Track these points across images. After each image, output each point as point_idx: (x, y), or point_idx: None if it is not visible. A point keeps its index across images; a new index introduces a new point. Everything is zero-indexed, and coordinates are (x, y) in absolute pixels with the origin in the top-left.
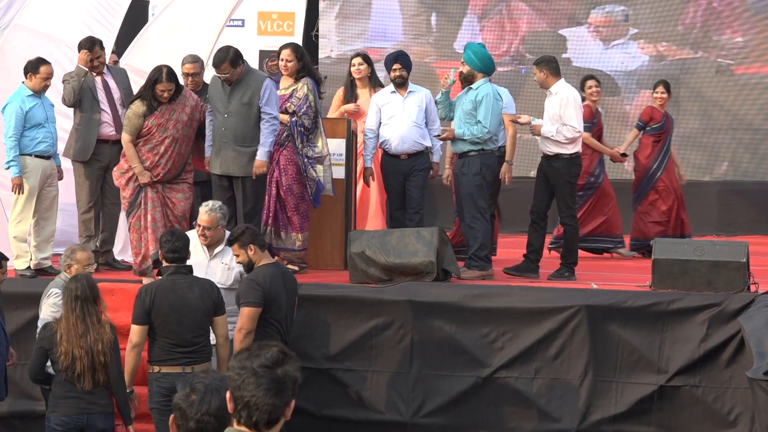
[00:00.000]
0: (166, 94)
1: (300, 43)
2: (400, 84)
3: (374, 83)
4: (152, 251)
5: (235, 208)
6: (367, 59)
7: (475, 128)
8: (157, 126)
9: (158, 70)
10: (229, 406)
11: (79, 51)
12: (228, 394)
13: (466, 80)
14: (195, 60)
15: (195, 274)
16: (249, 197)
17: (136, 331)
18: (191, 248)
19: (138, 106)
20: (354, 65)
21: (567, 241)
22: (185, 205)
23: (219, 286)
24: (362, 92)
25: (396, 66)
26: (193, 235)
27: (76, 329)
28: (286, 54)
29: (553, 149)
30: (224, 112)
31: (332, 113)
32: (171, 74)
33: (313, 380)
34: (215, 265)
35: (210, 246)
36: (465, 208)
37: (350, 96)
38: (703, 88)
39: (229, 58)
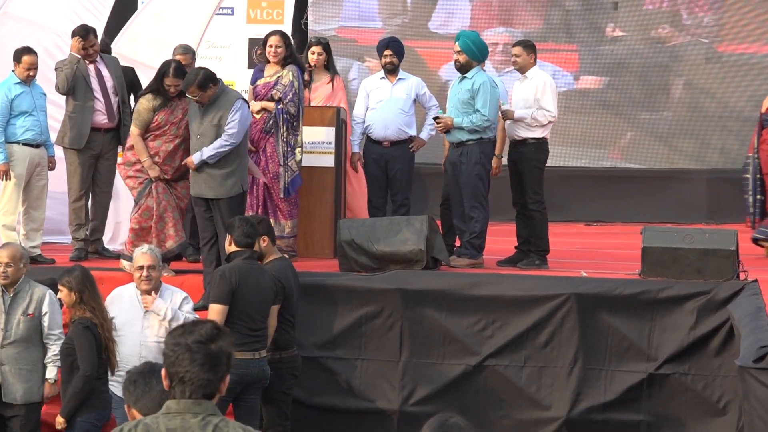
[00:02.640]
0: (173, 89)
1: (290, 31)
2: (390, 71)
3: (332, 71)
4: (176, 242)
5: (215, 229)
6: (326, 48)
7: (474, 117)
8: (168, 123)
9: (167, 64)
10: (165, 383)
11: (72, 38)
12: (163, 371)
13: (463, 69)
14: (186, 50)
15: (128, 330)
16: (226, 219)
17: (219, 311)
18: (125, 304)
19: (149, 100)
20: (313, 53)
21: (537, 228)
22: (188, 200)
23: (157, 341)
24: (318, 77)
25: (387, 52)
26: (124, 290)
27: (105, 315)
28: (275, 40)
29: (522, 134)
30: (197, 133)
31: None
32: (178, 70)
33: (303, 369)
34: (152, 319)
35: (148, 293)
36: (465, 197)
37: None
38: (693, 76)
39: (197, 81)
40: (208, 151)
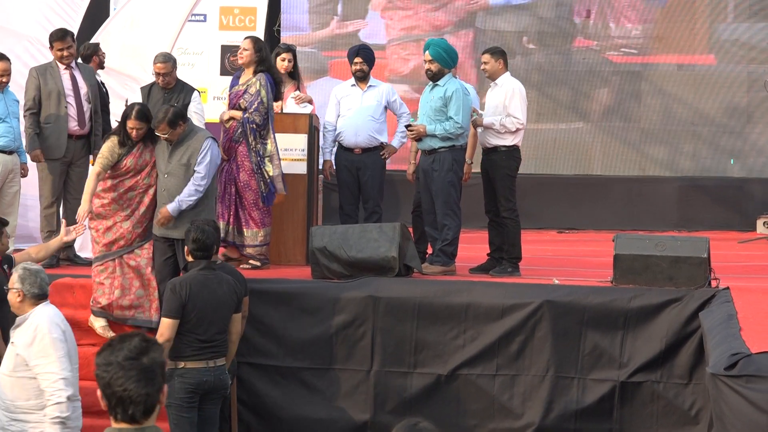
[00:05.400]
0: (134, 133)
1: (262, 38)
2: (361, 78)
3: (297, 78)
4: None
5: (176, 268)
6: (294, 55)
7: (447, 124)
8: (136, 171)
9: (131, 107)
10: (102, 404)
11: (51, 43)
12: (99, 393)
13: (435, 77)
14: (166, 59)
15: None
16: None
17: (169, 326)
18: None
19: (113, 141)
20: (284, 60)
21: (509, 235)
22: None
23: (8, 375)
24: (285, 84)
25: (357, 60)
26: None
27: None
28: (245, 43)
29: (493, 141)
30: (165, 172)
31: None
32: (141, 113)
33: (274, 378)
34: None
35: None
36: (437, 205)
37: None
38: (664, 84)
39: (168, 119)
40: (184, 200)
